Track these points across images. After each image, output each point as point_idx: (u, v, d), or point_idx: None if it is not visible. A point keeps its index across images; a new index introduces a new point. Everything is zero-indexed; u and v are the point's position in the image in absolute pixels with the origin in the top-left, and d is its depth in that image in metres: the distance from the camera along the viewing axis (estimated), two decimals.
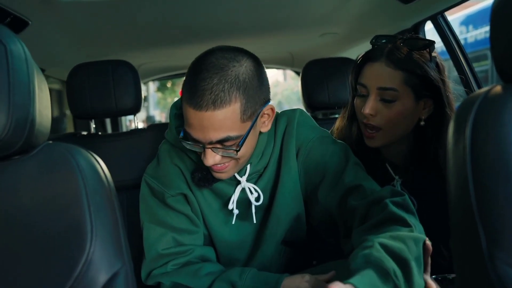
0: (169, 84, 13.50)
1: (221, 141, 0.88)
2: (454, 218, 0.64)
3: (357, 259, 0.75)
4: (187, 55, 2.63)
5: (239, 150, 0.90)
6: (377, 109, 1.08)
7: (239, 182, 1.03)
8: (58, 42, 1.83)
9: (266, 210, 1.08)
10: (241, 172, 1.02)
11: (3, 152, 0.65)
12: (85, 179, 0.65)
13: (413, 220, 0.86)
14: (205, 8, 1.64)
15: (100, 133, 1.73)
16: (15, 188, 0.65)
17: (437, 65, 1.10)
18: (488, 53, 5.49)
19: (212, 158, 0.90)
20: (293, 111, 1.10)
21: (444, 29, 1.76)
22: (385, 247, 0.76)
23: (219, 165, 0.94)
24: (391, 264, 0.73)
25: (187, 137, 0.92)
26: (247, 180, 1.03)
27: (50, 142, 0.72)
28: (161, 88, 14.46)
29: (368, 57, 1.12)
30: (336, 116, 2.22)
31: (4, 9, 1.29)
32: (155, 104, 15.79)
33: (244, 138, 0.90)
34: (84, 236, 0.62)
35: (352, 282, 0.69)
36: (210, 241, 1.10)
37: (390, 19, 1.87)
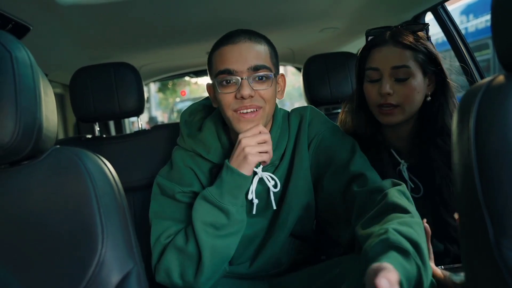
0: (170, 85, 13.51)
1: (257, 68, 0.99)
2: (460, 207, 0.64)
3: (375, 246, 0.76)
4: (187, 55, 2.65)
5: (275, 77, 1.04)
6: (393, 88, 1.13)
7: (255, 174, 1.08)
8: (60, 46, 1.84)
9: (279, 200, 1.13)
10: (257, 164, 1.07)
11: (13, 157, 0.66)
12: (93, 181, 0.66)
13: (412, 208, 0.89)
14: (206, 6, 1.64)
15: (104, 135, 1.73)
16: (26, 193, 0.66)
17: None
18: (490, 42, 5.46)
19: (248, 87, 0.98)
20: (304, 108, 1.18)
21: (444, 20, 1.75)
22: (398, 232, 0.77)
23: (249, 111, 1.01)
24: (409, 246, 0.75)
25: (221, 81, 1.01)
26: (263, 171, 1.09)
27: (58, 146, 0.72)
28: (162, 89, 14.47)
29: (373, 44, 1.18)
30: (339, 111, 2.22)
31: (5, 15, 1.30)
32: (157, 104, 15.81)
33: (274, 74, 1.03)
34: (95, 238, 0.63)
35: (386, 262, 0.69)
36: None
37: (391, 11, 1.86)
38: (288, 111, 1.19)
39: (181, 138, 1.16)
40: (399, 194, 0.92)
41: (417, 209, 0.90)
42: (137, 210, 1.51)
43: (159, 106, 15.78)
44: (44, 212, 0.64)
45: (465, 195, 0.61)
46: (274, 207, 1.10)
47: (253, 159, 1.00)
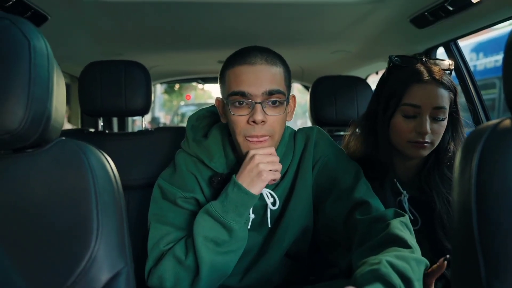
0: (176, 87, 13.56)
1: (272, 93, 0.99)
2: (455, 243, 0.65)
3: (364, 274, 0.76)
4: (198, 61, 2.67)
5: (287, 103, 1.03)
6: (430, 127, 1.15)
7: None
8: (74, 38, 1.86)
9: (277, 219, 1.12)
10: None
11: (18, 144, 0.67)
12: (95, 177, 0.66)
13: (413, 241, 0.88)
14: (221, 17, 1.66)
15: (107, 131, 1.74)
16: (26, 180, 0.66)
17: None
18: (497, 82, 5.50)
19: (261, 113, 0.98)
20: (311, 128, 1.17)
21: (456, 56, 1.77)
22: (391, 265, 0.77)
23: (259, 136, 1.00)
24: (398, 281, 0.75)
25: (234, 102, 1.00)
26: (265, 187, 1.07)
27: (63, 138, 0.73)
28: (168, 91, 14.52)
29: (414, 79, 1.17)
30: (341, 133, 2.23)
31: (25, 2, 1.32)
32: (161, 105, 15.85)
33: (287, 98, 1.03)
34: (89, 234, 0.63)
35: None
36: None
37: (404, 42, 1.89)
38: (295, 130, 1.19)
39: (185, 142, 1.16)
40: (402, 226, 0.91)
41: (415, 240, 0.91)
42: (132, 209, 1.51)
43: (163, 108, 15.81)
44: (42, 202, 0.64)
45: (461, 232, 0.61)
46: (269, 225, 1.09)
47: (268, 176, 1.00)
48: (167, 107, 15.92)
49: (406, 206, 1.21)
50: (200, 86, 12.39)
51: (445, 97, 1.16)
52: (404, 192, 1.22)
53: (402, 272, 0.76)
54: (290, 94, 1.07)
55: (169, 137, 1.58)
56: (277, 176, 1.03)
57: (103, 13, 1.57)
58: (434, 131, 1.16)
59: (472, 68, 1.93)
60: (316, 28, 1.85)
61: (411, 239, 0.88)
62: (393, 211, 0.98)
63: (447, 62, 1.22)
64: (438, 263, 0.81)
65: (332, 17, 1.67)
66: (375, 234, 0.92)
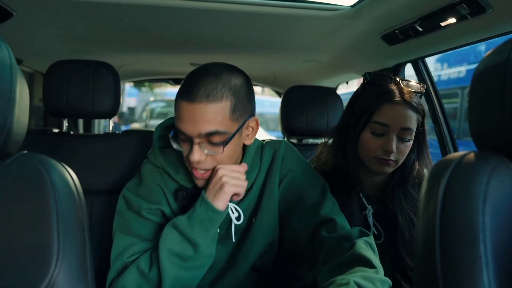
0: (146, 84, 13.31)
1: (209, 134, 0.94)
2: (417, 273, 0.66)
3: None
4: (169, 63, 2.62)
5: (226, 145, 0.96)
6: (396, 146, 1.19)
7: None
8: (40, 34, 1.78)
9: (243, 233, 1.11)
10: None
11: None
12: (57, 196, 0.63)
13: (377, 261, 0.91)
14: (194, 22, 1.64)
15: (72, 132, 1.68)
16: None
17: None
18: (459, 92, 5.73)
19: (198, 153, 0.95)
20: (279, 142, 1.17)
21: (423, 74, 1.83)
22: (359, 286, 0.79)
23: (201, 171, 0.99)
24: None
25: (176, 137, 0.99)
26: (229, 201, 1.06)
27: (25, 152, 0.69)
28: (138, 85, 14.25)
29: (385, 99, 1.20)
30: (310, 141, 2.25)
31: None
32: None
33: (231, 136, 0.96)
34: (49, 257, 0.60)
35: None
36: None
37: (374, 56, 1.92)
38: (262, 142, 1.19)
39: (152, 153, 1.13)
40: (366, 246, 0.94)
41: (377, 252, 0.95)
42: (95, 215, 1.46)
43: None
44: None
45: (424, 263, 0.63)
46: (233, 240, 1.09)
47: (230, 189, 0.99)
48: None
49: (371, 220, 1.25)
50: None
51: (413, 119, 1.20)
52: (369, 207, 1.25)
53: None
54: (252, 117, 1.02)
55: (137, 142, 1.54)
56: (241, 191, 1.03)
57: (71, 11, 1.52)
58: (400, 151, 1.20)
59: (436, 78, 2.00)
60: (289, 38, 1.86)
61: (375, 259, 0.91)
62: (358, 230, 1.00)
63: (419, 85, 1.26)
64: None
65: (306, 29, 1.68)
66: (340, 252, 0.93)
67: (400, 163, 1.22)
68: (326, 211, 1.05)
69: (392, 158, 1.19)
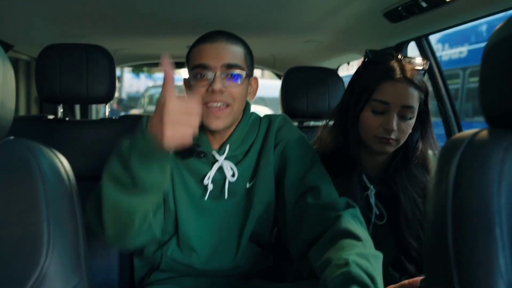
0: (144, 68, 13.21)
1: (231, 66, 1.04)
2: (429, 255, 0.63)
3: (336, 278, 0.78)
4: (167, 46, 2.56)
5: (249, 78, 1.09)
6: (397, 124, 1.16)
7: (215, 161, 1.10)
8: (31, 18, 1.72)
9: (241, 197, 1.13)
10: (220, 152, 1.11)
11: None
12: (46, 184, 0.60)
13: (363, 234, 0.91)
14: (189, 1, 1.59)
15: (67, 118, 1.64)
16: None
17: None
18: (460, 72, 5.68)
19: (220, 82, 1.02)
20: (277, 115, 1.21)
21: (426, 52, 1.78)
22: (358, 265, 0.79)
23: (218, 105, 1.03)
24: (369, 281, 0.77)
25: (196, 74, 1.05)
26: (228, 161, 1.11)
27: (12, 138, 0.66)
28: (136, 70, 14.14)
29: (386, 77, 1.16)
30: (311, 124, 2.21)
31: None
32: (130, 86, 15.43)
33: (247, 74, 1.08)
34: (39, 248, 0.56)
35: None
36: (174, 228, 1.11)
37: (376, 35, 1.87)
38: (260, 116, 1.21)
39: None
40: (352, 218, 0.95)
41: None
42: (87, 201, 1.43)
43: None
44: None
45: (435, 244, 0.60)
46: (226, 197, 1.10)
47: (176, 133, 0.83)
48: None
49: (373, 200, 1.23)
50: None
51: (414, 96, 1.16)
52: (371, 187, 1.23)
53: (366, 270, 0.79)
54: (252, 77, 1.13)
55: (134, 127, 1.50)
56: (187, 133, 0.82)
57: None
58: (401, 129, 1.17)
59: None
60: (290, 17, 1.81)
61: (361, 231, 0.92)
62: (345, 200, 1.02)
63: (422, 61, 1.22)
64: (411, 281, 0.83)
65: (307, 7, 1.64)
66: (325, 223, 0.95)
67: (401, 142, 1.19)
68: (313, 178, 1.07)
69: (393, 136, 1.16)
